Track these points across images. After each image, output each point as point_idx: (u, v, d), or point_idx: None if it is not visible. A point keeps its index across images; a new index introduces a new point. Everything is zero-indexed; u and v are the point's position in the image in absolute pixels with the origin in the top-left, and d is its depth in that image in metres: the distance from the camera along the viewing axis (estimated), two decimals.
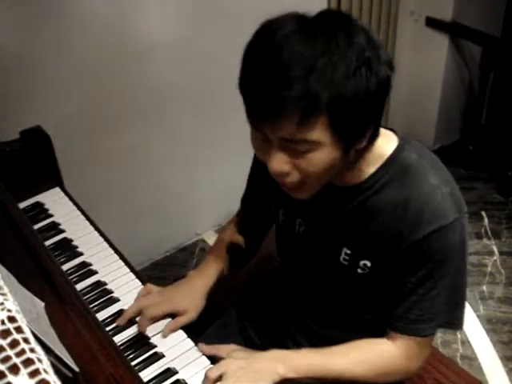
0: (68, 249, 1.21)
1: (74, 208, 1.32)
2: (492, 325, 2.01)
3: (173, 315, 1.07)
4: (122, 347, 1.00)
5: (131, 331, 1.04)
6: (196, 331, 1.09)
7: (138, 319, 1.05)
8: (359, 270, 0.96)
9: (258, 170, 1.10)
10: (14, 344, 0.62)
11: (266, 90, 0.75)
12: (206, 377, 0.93)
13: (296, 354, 0.97)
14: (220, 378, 0.92)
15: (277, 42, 0.75)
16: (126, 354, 0.98)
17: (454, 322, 0.96)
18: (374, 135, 0.85)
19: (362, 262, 0.95)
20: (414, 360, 0.97)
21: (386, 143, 0.91)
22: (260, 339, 1.19)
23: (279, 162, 0.82)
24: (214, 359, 1.00)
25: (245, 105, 0.81)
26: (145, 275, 1.97)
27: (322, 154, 0.80)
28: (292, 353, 0.97)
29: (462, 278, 0.94)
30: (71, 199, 1.35)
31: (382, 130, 0.90)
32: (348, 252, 0.96)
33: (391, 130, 0.95)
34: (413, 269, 0.91)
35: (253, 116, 0.80)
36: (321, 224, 0.99)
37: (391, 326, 0.97)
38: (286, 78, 0.73)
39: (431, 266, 0.89)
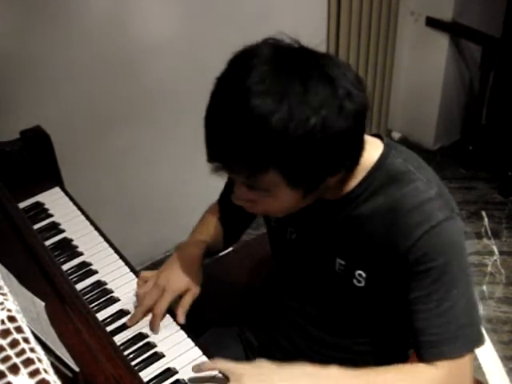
0: (68, 249, 1.21)
1: (74, 208, 1.32)
2: (492, 325, 2.00)
3: (170, 311, 1.06)
4: (121, 347, 1.00)
5: (131, 331, 1.04)
6: (196, 331, 1.09)
7: (148, 319, 1.05)
8: (355, 282, 0.94)
9: None
10: (14, 344, 0.62)
11: (219, 140, 0.77)
12: (205, 364, 0.91)
13: (325, 372, 0.86)
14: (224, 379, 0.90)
15: (241, 91, 0.74)
16: (125, 354, 0.98)
17: (478, 340, 0.88)
18: (353, 165, 0.85)
19: (357, 272, 0.93)
20: (460, 382, 0.88)
21: (371, 151, 0.89)
22: (258, 342, 1.18)
23: (240, 197, 0.85)
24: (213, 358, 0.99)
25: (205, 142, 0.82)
26: None
27: (279, 199, 0.81)
28: (320, 371, 0.86)
29: (469, 287, 0.88)
30: (71, 199, 1.35)
31: (367, 138, 0.88)
32: (342, 263, 0.95)
33: (376, 135, 0.93)
34: (415, 281, 0.86)
35: (208, 157, 0.81)
36: (312, 234, 0.98)
37: (420, 355, 0.89)
38: (237, 133, 0.74)
39: (433, 273, 0.85)
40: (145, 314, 1.05)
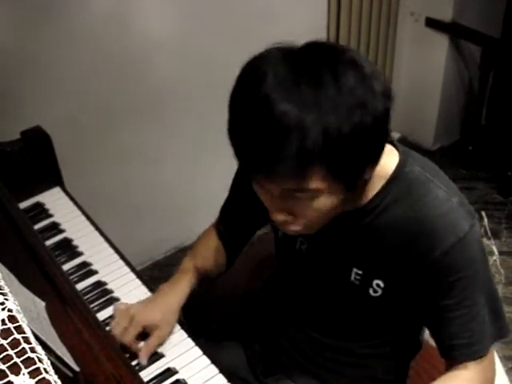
0: (68, 249, 1.21)
1: (74, 208, 1.32)
2: None
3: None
4: (122, 347, 1.00)
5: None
6: (196, 331, 1.09)
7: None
8: (371, 292, 0.92)
9: (243, 181, 1.03)
10: (14, 343, 0.62)
11: (258, 148, 0.72)
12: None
13: None
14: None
15: (264, 95, 0.71)
16: (126, 354, 0.98)
17: (503, 332, 0.93)
18: (377, 163, 0.82)
19: (374, 282, 0.92)
20: (490, 377, 0.95)
21: (388, 160, 0.87)
22: (260, 344, 1.17)
23: (281, 213, 0.81)
24: (214, 359, 1.00)
25: (237, 157, 0.78)
26: (145, 275, 1.96)
27: (324, 200, 0.78)
28: None
29: (492, 284, 0.90)
30: (71, 199, 1.35)
31: None
32: (359, 272, 0.93)
33: (390, 142, 0.90)
34: (446, 290, 0.86)
35: (247, 170, 0.79)
36: (325, 244, 0.96)
37: (452, 359, 0.91)
38: (277, 136, 0.70)
39: (463, 282, 0.85)
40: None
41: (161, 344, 1.01)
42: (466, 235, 0.84)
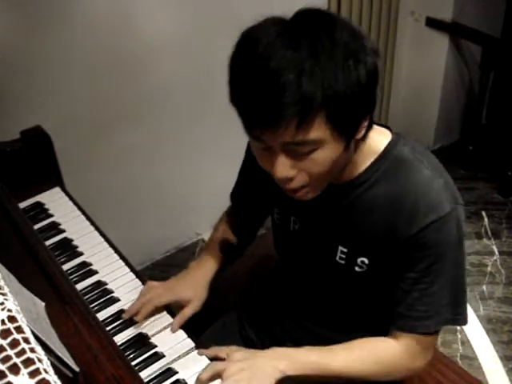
0: (68, 249, 1.21)
1: (74, 208, 1.32)
2: (492, 325, 2.00)
3: (171, 312, 1.07)
4: (121, 347, 1.00)
5: (131, 331, 1.04)
6: (196, 331, 1.09)
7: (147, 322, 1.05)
8: (357, 268, 0.96)
9: (251, 165, 1.07)
10: (14, 344, 0.62)
11: (260, 100, 0.75)
12: (198, 379, 0.93)
13: (298, 351, 0.96)
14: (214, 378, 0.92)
15: (262, 50, 0.75)
16: (126, 354, 0.98)
17: (457, 318, 0.95)
18: (370, 124, 0.85)
19: (359, 260, 0.95)
20: (417, 359, 0.97)
21: (380, 138, 0.91)
22: (259, 339, 1.19)
23: (284, 168, 0.82)
24: (214, 359, 0.99)
25: (240, 117, 0.80)
26: (145, 275, 1.97)
27: (326, 152, 0.80)
28: (294, 350, 0.96)
29: (461, 270, 0.93)
30: (71, 199, 1.35)
31: (376, 126, 0.90)
32: (344, 250, 0.96)
33: (386, 126, 0.95)
34: (412, 263, 0.90)
35: (250, 126, 0.80)
36: (315, 221, 0.99)
37: (394, 324, 0.96)
38: (277, 84, 0.73)
39: (431, 259, 0.89)
40: (141, 307, 1.05)
41: (163, 343, 1.02)
42: (446, 216, 0.86)
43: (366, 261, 0.94)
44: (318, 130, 0.77)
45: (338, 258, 0.97)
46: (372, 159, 0.90)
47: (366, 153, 0.89)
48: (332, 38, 0.75)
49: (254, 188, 1.12)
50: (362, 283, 0.97)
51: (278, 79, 0.73)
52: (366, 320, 1.04)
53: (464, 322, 0.96)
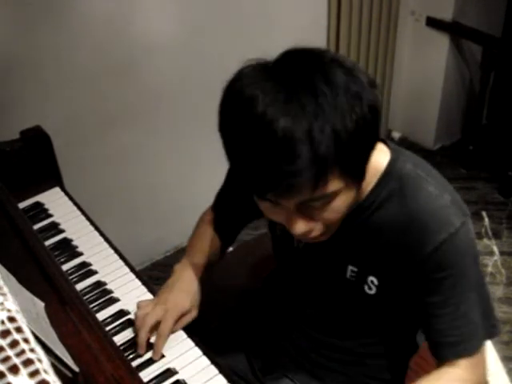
0: (68, 249, 1.21)
1: (74, 208, 1.32)
2: None
3: None
4: (121, 347, 1.00)
5: (131, 331, 1.04)
6: (196, 331, 1.08)
7: (152, 340, 1.01)
8: (366, 289, 0.93)
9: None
10: (13, 344, 0.62)
11: (271, 169, 0.71)
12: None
13: None
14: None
15: (260, 115, 0.70)
16: (125, 354, 0.98)
17: (492, 331, 0.92)
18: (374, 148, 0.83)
19: (369, 279, 0.92)
20: (480, 375, 0.92)
21: (380, 155, 0.88)
22: (259, 343, 1.17)
23: (302, 225, 0.80)
24: (214, 360, 0.99)
25: (245, 182, 0.77)
26: (145, 275, 1.97)
27: (341, 199, 0.78)
28: None
29: (483, 283, 0.91)
30: (71, 199, 1.35)
31: None
32: (354, 269, 0.94)
33: (381, 140, 0.91)
34: (434, 287, 0.87)
35: (260, 194, 0.78)
36: (322, 242, 0.95)
37: (441, 356, 0.91)
38: (289, 150, 0.69)
39: (452, 279, 0.86)
40: (149, 336, 1.01)
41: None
42: (457, 231, 0.84)
43: (376, 281, 0.92)
44: (334, 183, 0.75)
45: (348, 276, 0.95)
46: (375, 180, 0.88)
47: (369, 174, 0.86)
48: (329, 82, 0.71)
49: (238, 198, 1.09)
50: (371, 304, 0.95)
51: (289, 144, 0.69)
52: (375, 329, 1.03)
53: (498, 332, 0.93)
